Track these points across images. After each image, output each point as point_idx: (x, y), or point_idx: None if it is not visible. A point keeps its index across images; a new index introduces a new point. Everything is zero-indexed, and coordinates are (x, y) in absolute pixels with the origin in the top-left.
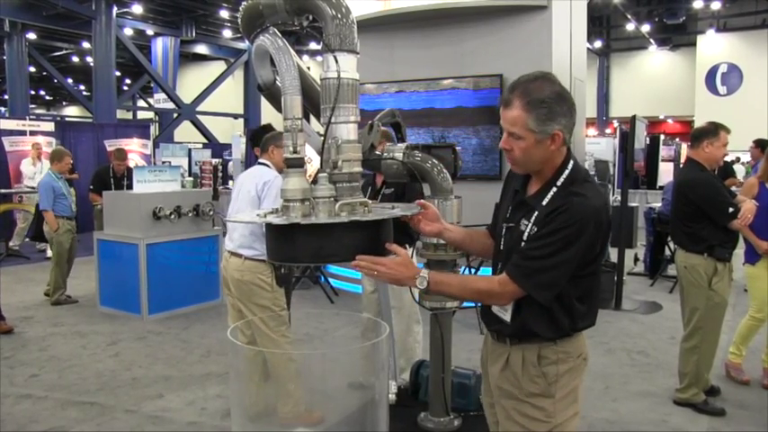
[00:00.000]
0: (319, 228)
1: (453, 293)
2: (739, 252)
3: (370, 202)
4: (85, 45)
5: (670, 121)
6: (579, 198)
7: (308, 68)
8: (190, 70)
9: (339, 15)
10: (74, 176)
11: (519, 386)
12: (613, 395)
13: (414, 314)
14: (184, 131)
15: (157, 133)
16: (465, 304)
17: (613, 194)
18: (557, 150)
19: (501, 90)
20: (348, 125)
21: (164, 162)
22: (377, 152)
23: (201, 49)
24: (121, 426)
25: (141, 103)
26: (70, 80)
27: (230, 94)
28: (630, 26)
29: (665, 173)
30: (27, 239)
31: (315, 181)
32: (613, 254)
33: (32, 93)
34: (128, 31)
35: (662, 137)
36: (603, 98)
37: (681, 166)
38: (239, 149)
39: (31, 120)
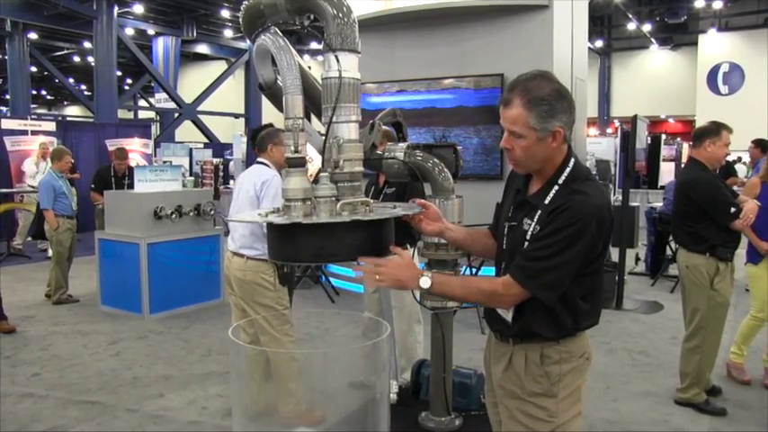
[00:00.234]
0: (321, 227)
1: (456, 295)
2: (741, 252)
3: (372, 201)
4: (87, 45)
5: (671, 120)
6: (581, 196)
7: (309, 68)
8: (191, 70)
9: (340, 15)
10: (75, 176)
11: (522, 386)
12: (614, 395)
13: (414, 314)
14: (185, 131)
15: (158, 133)
16: (466, 303)
17: (614, 194)
18: (558, 148)
19: (502, 89)
20: (349, 124)
21: (165, 162)
22: (378, 152)
23: (202, 48)
24: (122, 425)
25: (142, 102)
26: (71, 80)
27: (231, 94)
28: (632, 25)
29: (667, 172)
30: (29, 239)
31: (316, 180)
32: (614, 253)
33: (34, 92)
34: (129, 31)
35: (663, 136)
36: (605, 98)
37: (682, 165)
38: (240, 149)
39: (32, 119)
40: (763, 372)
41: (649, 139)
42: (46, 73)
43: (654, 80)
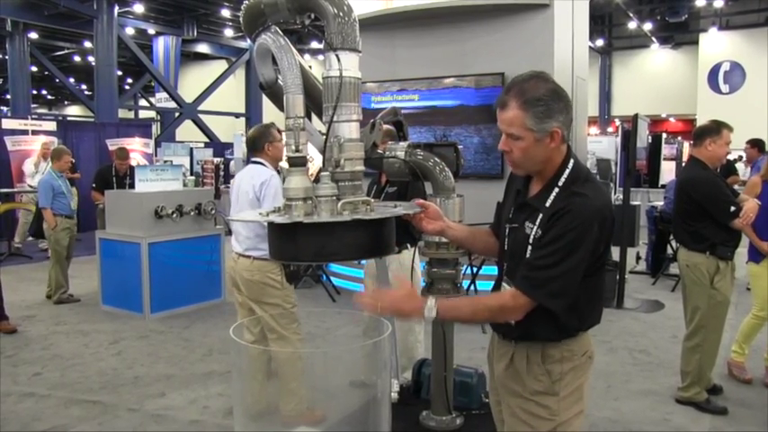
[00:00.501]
0: (322, 226)
1: (465, 317)
2: (742, 250)
3: (373, 200)
4: (87, 44)
5: (672, 119)
6: (581, 199)
7: (310, 67)
8: (191, 69)
9: (341, 14)
10: (75, 176)
11: (523, 384)
12: (615, 394)
13: None
14: (186, 130)
15: (159, 132)
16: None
17: (615, 193)
18: (556, 148)
19: (503, 88)
20: (350, 124)
21: (165, 161)
22: (379, 150)
23: (203, 48)
24: (124, 424)
25: (143, 102)
26: (72, 79)
27: (232, 93)
28: (632, 24)
29: (668, 171)
30: (30, 238)
31: (317, 180)
32: (615, 252)
33: (34, 92)
34: (129, 31)
35: (664, 135)
36: (605, 97)
37: (683, 164)
38: (241, 148)
39: (33, 119)
40: (764, 370)
41: (650, 138)
42: (46, 73)
43: (655, 79)
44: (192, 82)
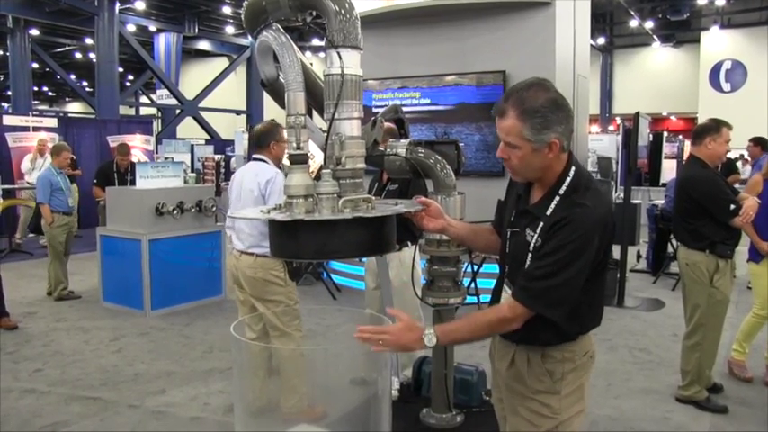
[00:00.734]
0: (323, 224)
1: (465, 337)
2: (742, 249)
3: (374, 198)
4: (88, 41)
5: (673, 118)
6: (582, 209)
7: (311, 64)
8: (192, 66)
9: (342, 11)
10: (76, 172)
11: (525, 383)
12: (615, 392)
13: (415, 310)
14: (187, 128)
15: (160, 129)
16: (467, 300)
17: (616, 191)
18: (556, 157)
19: (504, 86)
20: (351, 121)
21: (166, 158)
22: (380, 148)
23: (204, 45)
24: (124, 421)
25: (144, 99)
26: (73, 76)
27: (233, 91)
28: (634, 23)
29: (668, 170)
30: (31, 234)
31: (318, 177)
32: (616, 251)
33: (35, 89)
34: (130, 28)
35: (665, 134)
36: (607, 95)
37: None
38: (242, 145)
39: (34, 116)
40: (764, 369)
41: (651, 136)
42: (47, 69)
43: (656, 77)
44: (193, 79)
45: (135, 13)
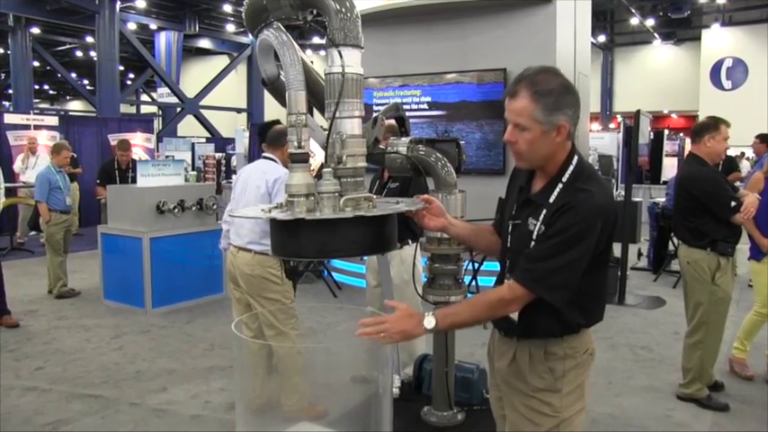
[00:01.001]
0: (324, 223)
1: (466, 318)
2: (743, 247)
3: (375, 197)
4: (89, 39)
5: (674, 115)
6: (585, 194)
7: (312, 62)
8: (193, 64)
9: (343, 10)
10: (77, 171)
11: (526, 381)
12: (616, 390)
13: (416, 308)
14: (187, 126)
15: (161, 127)
16: (468, 297)
17: (617, 189)
18: (561, 144)
19: (505, 84)
20: (352, 120)
21: (167, 156)
22: (381, 146)
23: (205, 43)
24: (125, 418)
25: (144, 97)
26: (74, 75)
27: (233, 89)
28: (635, 20)
29: (669, 168)
30: (33, 232)
31: (319, 175)
32: (617, 249)
33: (36, 87)
34: (131, 26)
35: (666, 132)
36: (607, 93)
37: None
38: (242, 144)
39: (35, 114)
40: (765, 367)
41: (652, 134)
42: (48, 68)
43: (657, 75)
44: (193, 77)
45: (136, 11)
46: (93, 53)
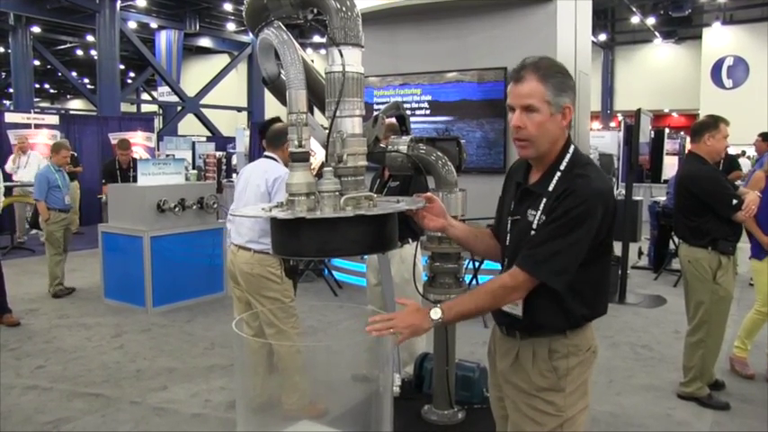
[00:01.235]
0: (324, 222)
1: (471, 308)
2: (744, 246)
3: (376, 195)
4: (89, 38)
5: (675, 114)
6: (584, 180)
7: (312, 61)
8: (193, 63)
9: (344, 9)
10: (77, 169)
11: (529, 380)
12: (617, 389)
13: None
14: (188, 124)
15: (161, 126)
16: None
17: (618, 188)
18: (564, 129)
19: (505, 83)
20: (353, 119)
21: (168, 155)
22: (381, 145)
23: (205, 42)
24: (126, 417)
25: (145, 96)
26: (74, 73)
27: (234, 87)
28: (635, 19)
29: (670, 166)
30: (33, 231)
31: (319, 174)
32: (617, 247)
33: (37, 86)
34: (131, 25)
35: (667, 130)
36: (608, 91)
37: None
38: (243, 142)
39: (35, 113)
40: (766, 366)
41: (653, 132)
42: (49, 66)
43: (657, 74)
44: (194, 76)
45: (136, 10)
46: (93, 52)
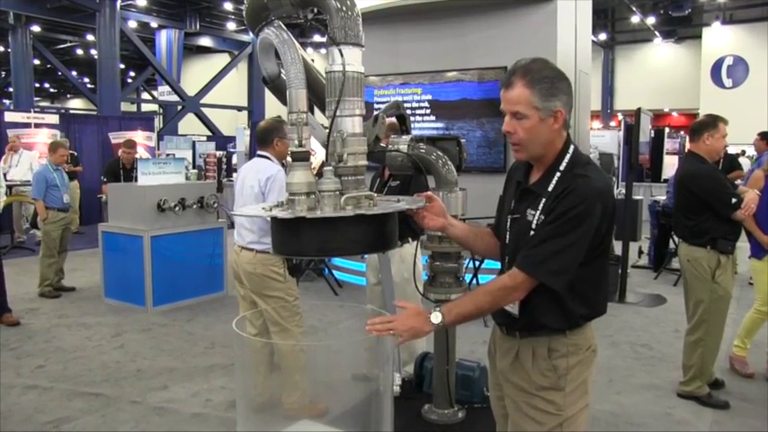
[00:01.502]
0: (325, 221)
1: (471, 310)
2: (744, 245)
3: (376, 195)
4: (90, 38)
5: (675, 113)
6: (584, 179)
7: (313, 61)
8: (194, 63)
9: (344, 8)
10: (77, 169)
11: (529, 380)
12: (617, 388)
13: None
14: (188, 124)
15: (161, 126)
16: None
17: (618, 187)
18: (558, 132)
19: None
20: (353, 118)
21: (168, 154)
22: (382, 144)
23: (205, 41)
24: (126, 417)
25: (145, 95)
26: (74, 73)
27: (234, 87)
28: (635, 18)
29: (670, 166)
30: (33, 231)
31: (319, 173)
32: (618, 247)
33: (37, 85)
34: (132, 24)
35: (667, 130)
36: (608, 91)
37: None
38: (243, 142)
39: (35, 112)
40: (765, 365)
41: (653, 132)
42: (49, 66)
43: (657, 73)
44: (194, 75)
45: (136, 9)
46: (93, 51)
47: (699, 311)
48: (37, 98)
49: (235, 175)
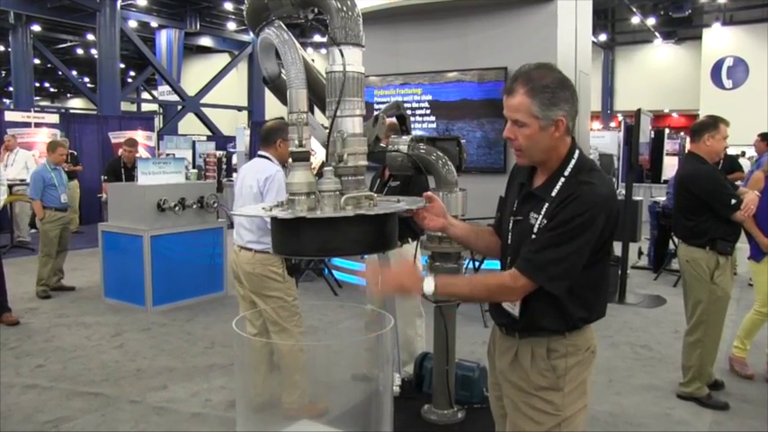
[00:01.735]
0: (325, 222)
1: (463, 294)
2: (743, 246)
3: (376, 195)
4: (90, 37)
5: (675, 114)
6: (589, 186)
7: (313, 60)
8: (194, 62)
9: (344, 8)
10: (77, 168)
11: (528, 379)
12: (617, 388)
13: (416, 307)
14: (188, 124)
15: (162, 125)
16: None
17: (618, 188)
18: (561, 138)
19: (506, 83)
20: (353, 118)
21: (168, 154)
22: (382, 144)
23: (206, 41)
24: (126, 416)
25: (145, 95)
26: (75, 72)
27: (234, 87)
28: (636, 19)
29: (670, 167)
30: (33, 230)
31: (319, 173)
32: (617, 247)
33: (37, 85)
34: (132, 24)
35: (667, 130)
36: (608, 92)
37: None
38: (243, 142)
39: (35, 112)
40: (765, 366)
41: (653, 133)
42: (49, 65)
43: (657, 74)
44: (194, 75)
45: (136, 9)
46: (93, 51)
47: (697, 312)
48: (37, 98)
49: (235, 175)
